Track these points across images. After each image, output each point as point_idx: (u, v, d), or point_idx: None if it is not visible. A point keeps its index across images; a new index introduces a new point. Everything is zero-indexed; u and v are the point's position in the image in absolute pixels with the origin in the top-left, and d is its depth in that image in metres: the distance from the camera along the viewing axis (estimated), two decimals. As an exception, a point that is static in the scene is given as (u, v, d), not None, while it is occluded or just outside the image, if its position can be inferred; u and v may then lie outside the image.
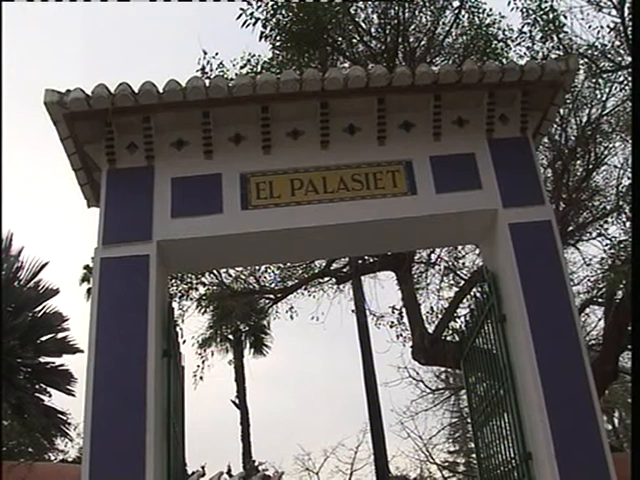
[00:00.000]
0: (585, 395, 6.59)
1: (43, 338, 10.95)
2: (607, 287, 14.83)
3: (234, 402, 32.25)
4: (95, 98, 7.01)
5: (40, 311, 10.89)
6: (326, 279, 18.66)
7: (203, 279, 17.38)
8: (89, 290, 19.81)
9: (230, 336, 32.23)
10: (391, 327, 17.76)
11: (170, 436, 6.61)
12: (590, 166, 15.45)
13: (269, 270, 17.85)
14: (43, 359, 11.01)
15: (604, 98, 14.97)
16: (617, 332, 13.80)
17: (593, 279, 16.37)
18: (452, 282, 17.28)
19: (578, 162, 15.49)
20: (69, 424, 11.01)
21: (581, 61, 13.18)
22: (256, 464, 24.36)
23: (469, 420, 11.19)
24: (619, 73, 14.14)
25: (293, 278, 18.20)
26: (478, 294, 8.64)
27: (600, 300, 16.57)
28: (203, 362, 21.90)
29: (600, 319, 17.52)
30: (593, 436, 6.46)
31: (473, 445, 9.10)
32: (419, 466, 39.09)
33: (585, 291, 16.75)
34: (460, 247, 16.23)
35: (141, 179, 7.43)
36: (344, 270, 18.20)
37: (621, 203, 14.96)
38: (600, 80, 14.52)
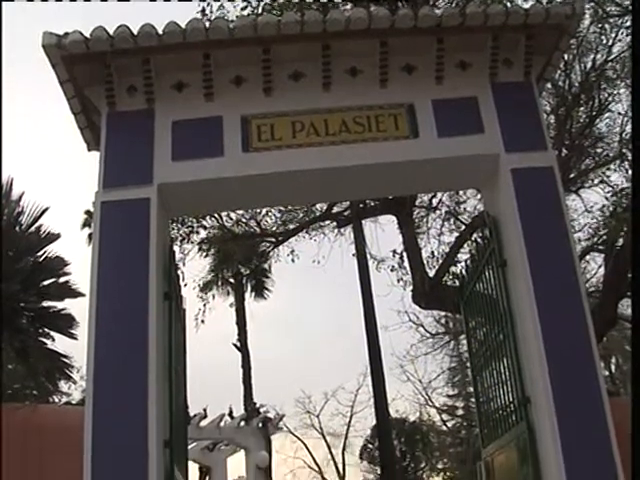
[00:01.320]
0: (584, 341, 6.62)
1: (45, 282, 10.98)
2: (608, 234, 14.83)
3: (235, 345, 32.47)
4: (94, 40, 6.92)
5: (42, 256, 10.89)
6: (327, 222, 18.69)
7: (204, 222, 17.39)
8: (90, 235, 19.82)
9: (231, 279, 32.32)
10: (392, 271, 17.81)
11: (172, 378, 6.66)
12: (594, 113, 15.31)
13: (270, 213, 17.86)
14: (45, 303, 11.06)
15: (610, 43, 14.77)
16: (617, 279, 13.82)
17: (594, 226, 16.38)
18: (453, 227, 17.31)
19: (581, 108, 15.34)
20: (72, 367, 11.10)
21: (587, 5, 12.97)
22: (257, 406, 24.63)
23: (468, 364, 11.28)
24: (626, 18, 13.91)
25: (294, 221, 18.21)
26: (479, 239, 8.64)
27: (601, 247, 16.57)
28: (204, 305, 22.05)
29: (600, 266, 17.57)
30: (591, 381, 6.51)
31: (472, 389, 9.18)
32: (418, 409, 39.62)
33: (586, 238, 16.76)
34: (461, 192, 16.20)
35: (141, 122, 7.38)
36: (345, 214, 18.20)
37: (624, 150, 14.86)
38: (606, 25, 14.34)
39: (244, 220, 18.16)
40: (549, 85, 13.13)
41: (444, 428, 40.32)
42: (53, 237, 11.03)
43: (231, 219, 17.92)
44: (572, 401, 6.40)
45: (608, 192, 15.66)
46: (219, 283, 31.45)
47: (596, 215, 16.25)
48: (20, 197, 10.95)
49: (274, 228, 18.46)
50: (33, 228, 10.91)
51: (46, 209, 10.97)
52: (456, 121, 7.43)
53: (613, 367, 30.29)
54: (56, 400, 13.36)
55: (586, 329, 6.65)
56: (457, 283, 12.27)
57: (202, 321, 21.14)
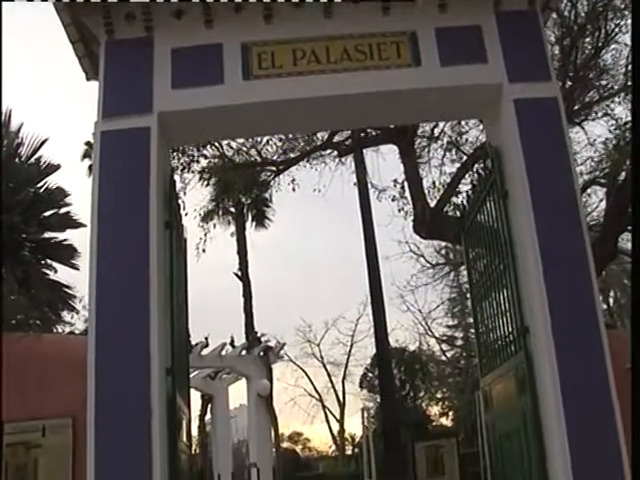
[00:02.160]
0: (583, 273, 6.64)
1: (46, 214, 10.95)
2: (610, 168, 14.76)
3: (236, 274, 32.60)
4: (91, -34, 6.79)
5: (42, 187, 10.84)
6: (328, 151, 18.58)
7: (205, 152, 17.32)
8: (90, 167, 19.73)
9: (232, 209, 32.32)
10: (393, 201, 17.78)
11: (173, 307, 6.69)
12: (599, 44, 15.03)
13: (271, 142, 17.75)
14: (47, 234, 11.04)
15: (618, -29, 14.47)
16: (618, 213, 13.80)
17: (596, 159, 16.30)
18: (455, 157, 17.20)
19: (587, 39, 15.09)
20: (74, 297, 11.14)
21: None
22: (258, 335, 24.85)
23: (468, 295, 11.32)
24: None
25: (295, 150, 18.11)
26: (480, 170, 8.58)
27: (602, 181, 16.52)
28: (205, 235, 22.10)
29: (602, 200, 17.54)
30: (589, 313, 6.55)
31: (472, 320, 9.23)
32: (418, 339, 40.00)
33: (588, 172, 16.70)
34: (464, 122, 16.07)
35: (140, 50, 7.28)
36: (346, 143, 18.09)
37: (629, 83, 14.66)
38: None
39: (245, 149, 18.06)
40: (554, 15, 12.91)
41: (443, 358, 40.77)
42: (53, 168, 10.96)
43: (232, 148, 17.84)
44: (570, 332, 6.45)
45: (612, 125, 15.56)
46: (220, 213, 31.43)
47: (599, 148, 16.19)
48: (19, 128, 10.86)
49: (275, 157, 18.36)
50: (33, 159, 10.84)
51: (45, 140, 10.88)
52: (459, 50, 7.32)
53: (611, 301, 30.47)
54: (59, 330, 13.46)
55: (586, 261, 6.66)
56: (458, 214, 12.27)
57: (203, 250, 21.25)
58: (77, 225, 10.99)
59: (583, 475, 6.15)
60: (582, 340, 6.47)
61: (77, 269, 10.87)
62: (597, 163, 16.24)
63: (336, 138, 17.60)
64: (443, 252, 29.73)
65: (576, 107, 15.39)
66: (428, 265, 29.14)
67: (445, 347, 40.60)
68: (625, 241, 16.69)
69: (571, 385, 6.33)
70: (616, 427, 6.29)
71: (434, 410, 41.14)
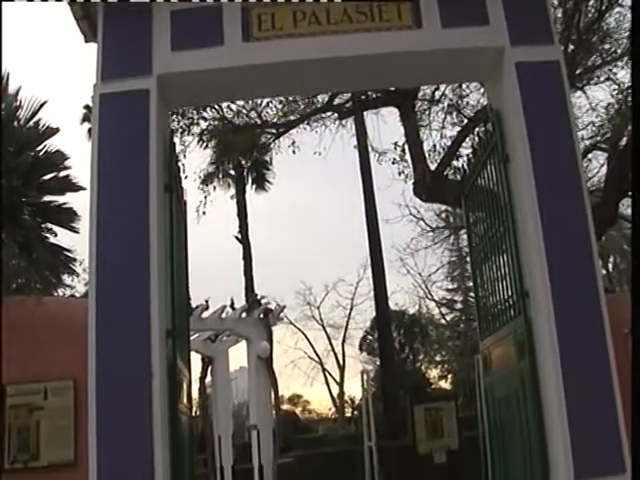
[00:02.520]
0: (583, 237, 6.64)
1: (46, 177, 10.90)
2: (612, 132, 14.68)
3: (236, 237, 32.65)
4: None
5: (41, 150, 10.78)
6: (328, 114, 18.45)
7: (204, 114, 17.23)
8: (90, 131, 19.66)
9: (232, 172, 32.27)
10: (393, 164, 17.69)
11: (173, 270, 6.70)
12: (603, 7, 14.84)
13: (271, 104, 17.64)
14: (47, 198, 11.01)
15: None
16: (619, 178, 13.74)
17: (598, 124, 16.21)
18: (455, 120, 17.06)
19: (590, 2, 14.90)
20: (75, 260, 11.14)
21: None
22: (258, 298, 24.86)
23: (468, 259, 11.32)
24: None
25: (295, 113, 17.98)
26: (481, 133, 8.56)
27: (604, 146, 16.45)
28: (205, 197, 22.05)
29: (603, 165, 17.48)
30: (589, 277, 6.57)
31: (471, 284, 9.25)
32: (418, 302, 40.15)
33: (589, 136, 16.61)
34: (465, 85, 15.95)
35: (139, 12, 7.20)
36: (347, 105, 17.97)
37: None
38: None
39: (244, 111, 17.94)
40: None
41: (443, 321, 40.94)
42: (52, 131, 10.89)
43: (231, 110, 17.72)
44: (570, 296, 6.47)
45: (614, 90, 15.44)
46: (220, 175, 31.37)
47: (600, 113, 16.08)
48: (17, 91, 10.78)
49: (275, 119, 18.24)
50: (32, 122, 10.77)
51: (44, 103, 10.81)
52: (461, 12, 7.25)
53: (610, 266, 30.52)
54: (60, 293, 13.48)
55: (586, 225, 6.66)
56: (458, 177, 12.23)
57: (204, 213, 21.21)
58: (77, 188, 10.95)
59: (581, 438, 6.21)
60: (581, 304, 6.49)
61: (77, 232, 10.86)
62: (598, 128, 16.16)
63: (336, 101, 17.47)
64: (443, 216, 29.73)
65: (578, 71, 15.24)
66: (428, 229, 29.13)
67: (445, 310, 40.77)
68: (625, 207, 16.65)
69: (570, 348, 6.37)
70: (613, 390, 6.34)
71: (433, 373, 41.43)
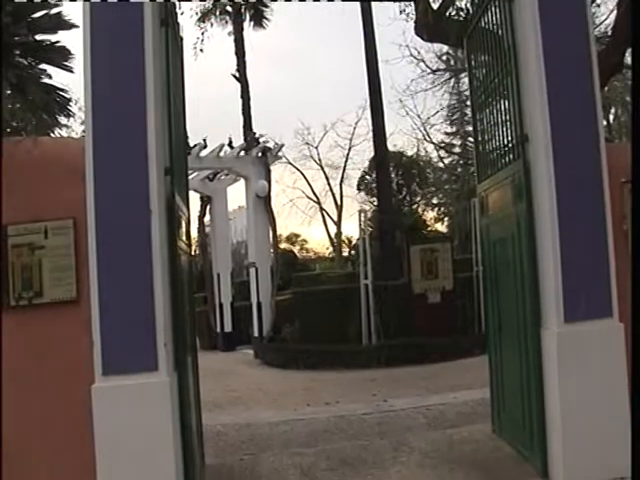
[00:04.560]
0: (587, 82, 6.53)
1: (36, 15, 10.54)
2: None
3: (234, 76, 32.18)
4: None
5: (30, -15, 10.37)
6: (330, -52, 17.86)
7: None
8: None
9: (229, 8, 31.50)
10: (394, 1, 17.24)
11: (170, 107, 6.60)
12: None
13: None
14: (39, 37, 10.70)
15: None
16: (628, 23, 13.38)
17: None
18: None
19: None
20: (70, 100, 10.98)
21: None
22: (256, 136, 24.74)
23: (468, 103, 11.20)
24: None
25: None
26: (487, -29, 8.27)
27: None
28: (203, 34, 21.60)
29: (612, 11, 17.02)
30: (590, 123, 6.51)
31: (471, 128, 9.18)
32: (416, 145, 40.16)
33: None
34: None
35: None
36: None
37: None
38: None
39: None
40: None
41: (441, 165, 41.09)
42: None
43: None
44: (570, 142, 6.44)
45: None
46: (217, 12, 30.65)
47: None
48: None
49: (274, -46, 17.67)
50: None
51: None
52: None
53: (612, 117, 30.27)
54: (57, 134, 13.41)
55: (590, 70, 6.54)
56: (461, 17, 11.93)
57: (201, 50, 20.87)
58: (69, 26, 10.67)
59: (573, 281, 6.37)
60: (581, 150, 6.47)
61: (71, 72, 10.69)
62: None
63: None
64: (444, 58, 29.29)
65: None
66: (428, 70, 28.80)
67: (443, 154, 40.82)
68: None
69: (567, 193, 6.40)
70: (607, 236, 6.45)
71: (430, 215, 41.90)
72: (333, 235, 54.38)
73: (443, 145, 39.95)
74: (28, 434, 6.02)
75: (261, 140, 24.05)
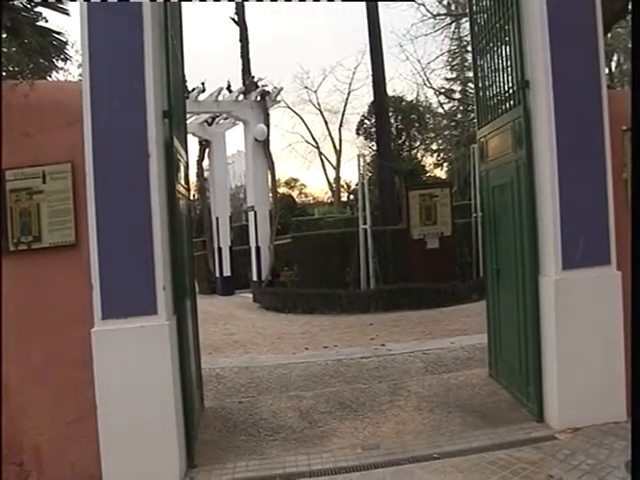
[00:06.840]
0: (590, 29, 6.47)
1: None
2: None
3: (233, 19, 31.78)
4: None
5: None
6: None
7: None
8: None
9: (227, -52, 30.94)
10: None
11: (168, 51, 6.52)
12: None
13: None
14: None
15: None
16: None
17: None
18: None
19: None
20: (67, 43, 10.81)
21: None
22: (255, 80, 24.52)
23: (469, 48, 11.04)
24: None
25: None
26: None
27: None
28: (201, -24, 21.26)
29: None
30: (591, 70, 6.48)
31: (471, 74, 9.09)
32: (416, 90, 39.84)
33: None
34: None
35: None
36: None
37: None
38: None
39: None
40: None
41: (440, 110, 40.80)
42: None
43: None
44: (571, 88, 6.40)
45: None
46: (215, -48, 30.12)
47: None
48: None
49: None
50: None
51: None
52: None
53: (614, 65, 29.96)
54: (54, 78, 13.25)
55: (593, 17, 6.48)
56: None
57: (198, -6, 20.51)
58: (63, -33, 10.44)
59: (571, 228, 6.40)
60: (582, 96, 6.44)
61: (68, 14, 10.49)
62: None
63: None
64: (445, 2, 28.95)
65: None
66: (429, 15, 28.47)
67: (443, 100, 40.53)
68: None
69: (567, 139, 6.39)
70: (607, 182, 6.48)
71: (429, 161, 41.72)
72: (332, 180, 54.30)
73: (443, 90, 39.63)
74: (28, 377, 6.07)
75: (260, 84, 23.86)
